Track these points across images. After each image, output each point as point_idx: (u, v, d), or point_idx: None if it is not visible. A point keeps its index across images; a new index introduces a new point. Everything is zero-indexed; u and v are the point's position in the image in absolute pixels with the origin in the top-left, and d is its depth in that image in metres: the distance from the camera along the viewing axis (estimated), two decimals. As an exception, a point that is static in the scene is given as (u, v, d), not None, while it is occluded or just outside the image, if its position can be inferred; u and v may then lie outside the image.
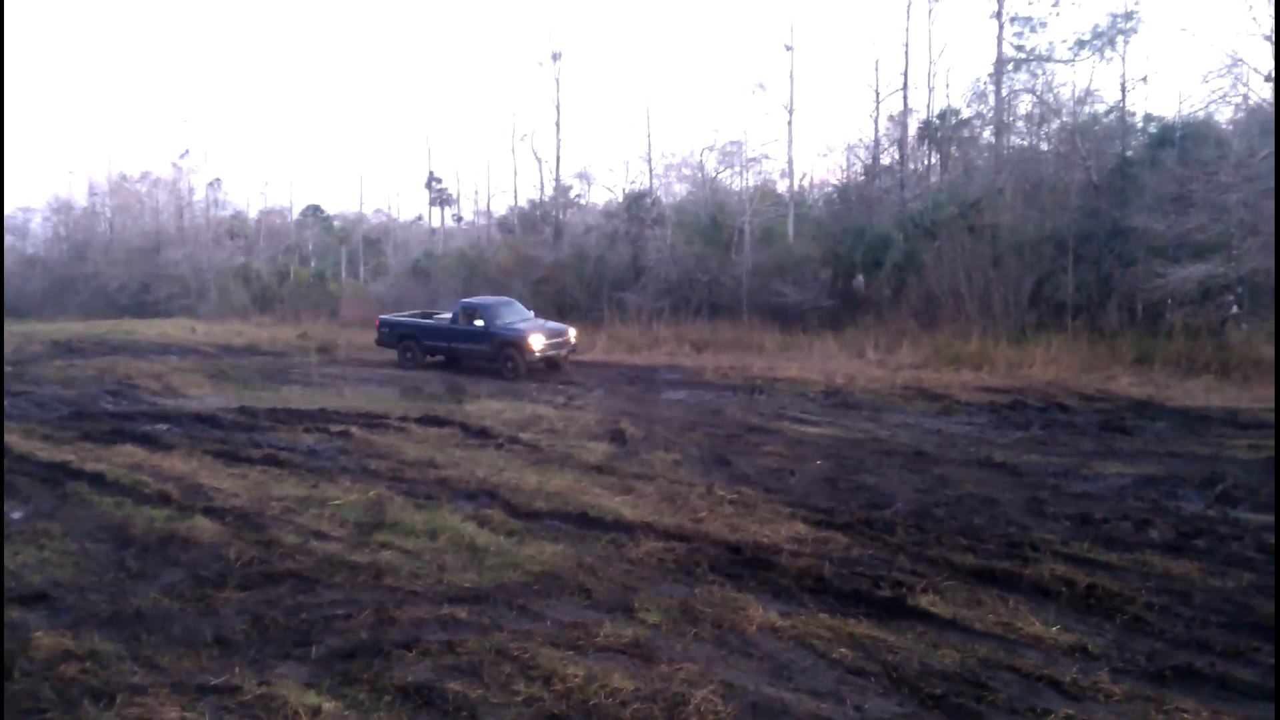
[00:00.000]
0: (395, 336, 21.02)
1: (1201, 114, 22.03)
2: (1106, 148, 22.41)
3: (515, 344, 18.93)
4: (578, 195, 37.70)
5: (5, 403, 14.14)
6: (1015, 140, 26.62)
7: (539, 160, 36.04)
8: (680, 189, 35.04)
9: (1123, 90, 23.98)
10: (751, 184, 31.89)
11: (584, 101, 67.13)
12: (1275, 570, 4.27)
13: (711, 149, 34.12)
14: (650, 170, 34.69)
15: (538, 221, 33.77)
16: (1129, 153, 21.93)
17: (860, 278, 24.16)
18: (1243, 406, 13.23)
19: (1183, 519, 7.74)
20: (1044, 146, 25.46)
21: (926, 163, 31.27)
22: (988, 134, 27.87)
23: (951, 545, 7.01)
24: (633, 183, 34.60)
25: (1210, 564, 6.55)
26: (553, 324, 20.67)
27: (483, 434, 11.64)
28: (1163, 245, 18.92)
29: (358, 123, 73.07)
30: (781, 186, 31.64)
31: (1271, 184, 18.05)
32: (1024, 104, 26.95)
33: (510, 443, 11.11)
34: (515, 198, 39.75)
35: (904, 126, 29.01)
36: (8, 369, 18.44)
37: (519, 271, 30.23)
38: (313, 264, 43.69)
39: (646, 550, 7.00)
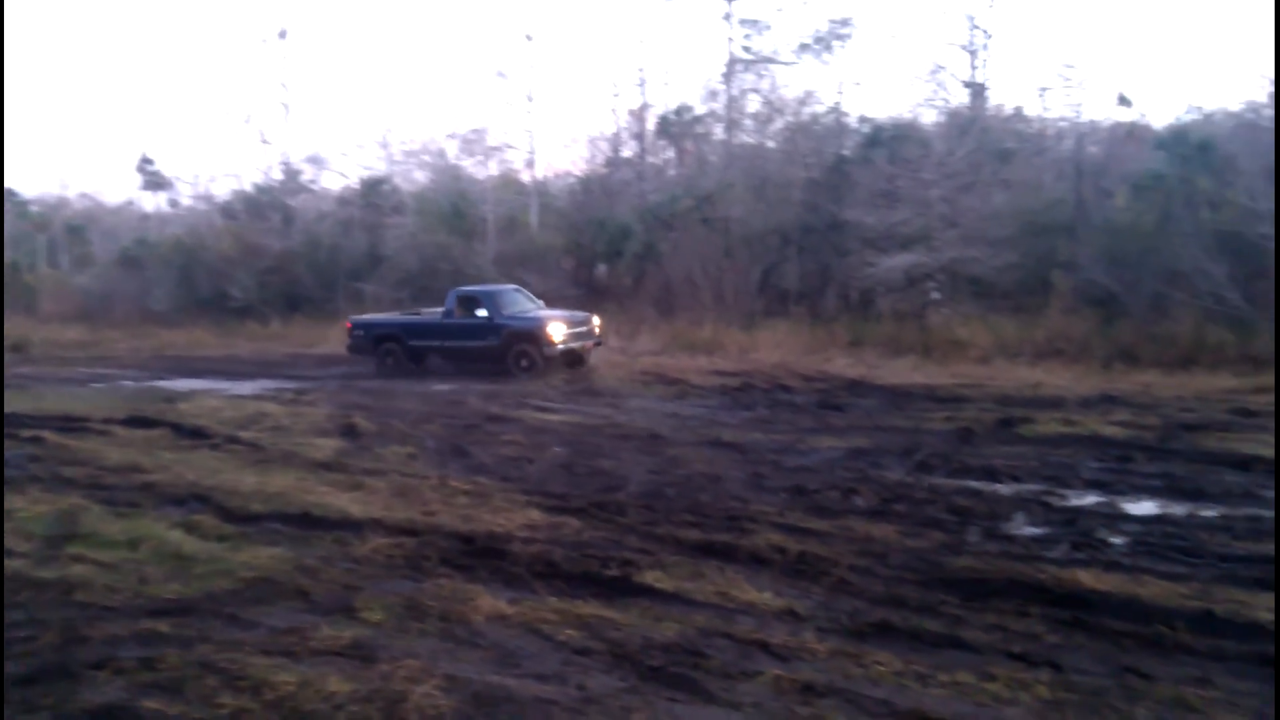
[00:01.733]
0: (371, 339, 17.95)
1: (908, 116, 24.13)
2: (825, 146, 24.01)
3: (531, 336, 16.14)
4: (310, 180, 35.88)
5: None
6: (744, 137, 27.98)
7: (265, 143, 34.06)
8: (421, 176, 34.19)
9: (839, 92, 25.82)
10: (494, 172, 31.62)
11: (315, 82, 63.95)
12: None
13: (453, 136, 33.55)
14: (388, 156, 33.66)
15: (265, 207, 31.81)
16: (845, 151, 23.59)
17: (602, 267, 24.60)
18: (940, 383, 14.59)
19: (885, 486, 8.38)
20: (770, 144, 26.94)
21: (664, 157, 32.28)
22: (720, 131, 29.11)
23: (678, 522, 7.23)
24: (369, 169, 33.41)
25: (907, 526, 7.13)
26: (572, 312, 17.88)
27: (197, 434, 10.82)
28: (874, 237, 20.50)
29: (58, 97, 66.00)
30: (525, 176, 31.61)
31: (968, 180, 20.05)
32: (753, 103, 28.43)
33: (228, 442, 10.38)
34: (240, 182, 37.34)
35: (642, 121, 29.81)
36: None
37: (244, 260, 28.38)
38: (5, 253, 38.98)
39: (373, 548, 6.72)
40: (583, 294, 23.90)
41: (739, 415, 12.45)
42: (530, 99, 30.00)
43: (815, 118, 25.57)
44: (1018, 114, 24.14)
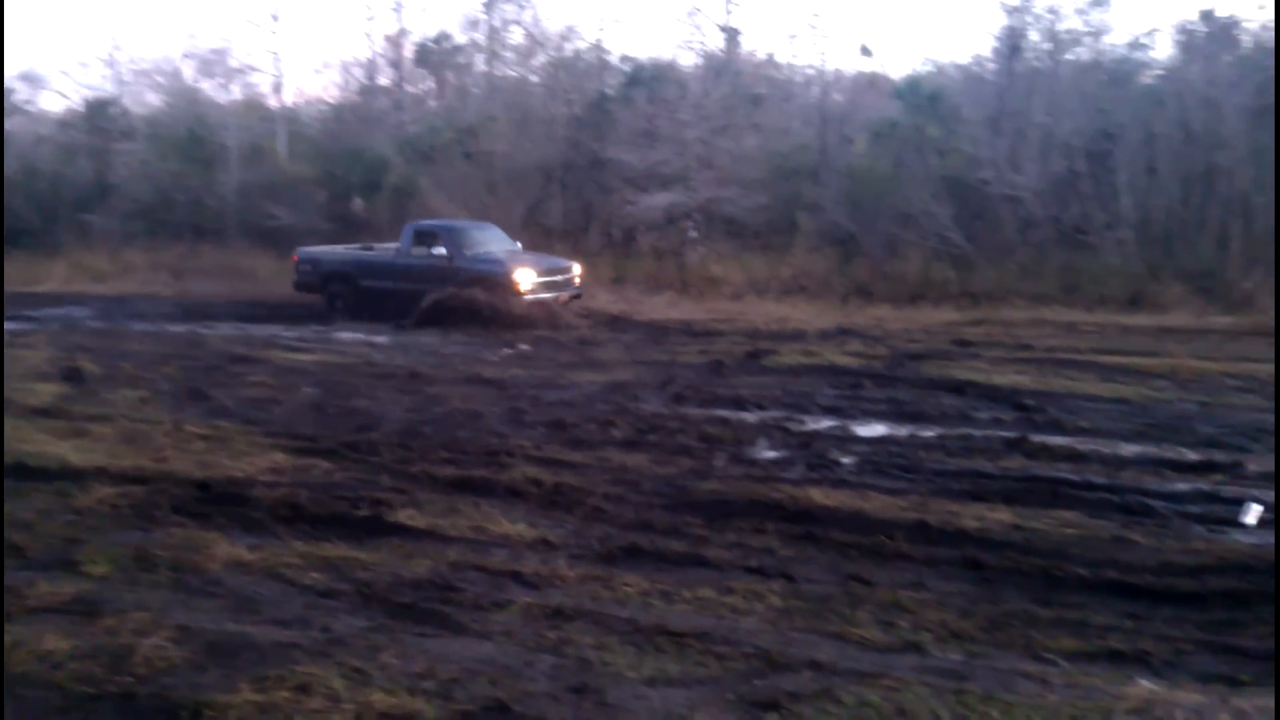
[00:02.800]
0: (319, 277, 15.75)
1: (667, 57, 24.48)
2: (587, 83, 23.97)
3: (495, 282, 14.10)
4: (25, 101, 31.99)
5: None
6: (507, 71, 27.47)
7: (-32, 56, 29.93)
8: (154, 99, 31.29)
9: (601, 29, 25.79)
10: (238, 97, 29.41)
11: (28, -11, 56.85)
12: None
13: (190, 56, 30.84)
14: (116, 75, 30.56)
15: (-30, 131, 28.05)
16: (607, 90, 23.65)
17: (358, 200, 23.57)
18: (696, 318, 15.12)
19: (641, 418, 8.61)
20: (534, 79, 26.59)
21: (424, 86, 31.16)
22: (481, 62, 28.43)
23: (434, 459, 7.14)
24: (94, 89, 30.19)
25: (659, 455, 7.37)
26: (548, 257, 15.93)
27: (-118, 381, 9.52)
28: (635, 176, 20.77)
29: None
30: (272, 102, 29.62)
31: (723, 123, 20.65)
32: (515, 35, 27.89)
33: (-77, 389, 9.22)
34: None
35: (399, 48, 28.59)
36: None
37: (-57, 189, 25.03)
38: None
39: (98, 498, 6.21)
40: (336, 228, 22.87)
41: (500, 352, 12.38)
42: (276, 18, 28.08)
43: (577, 54, 25.44)
44: (769, 60, 25.10)
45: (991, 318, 14.70)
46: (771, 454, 7.57)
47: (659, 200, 19.64)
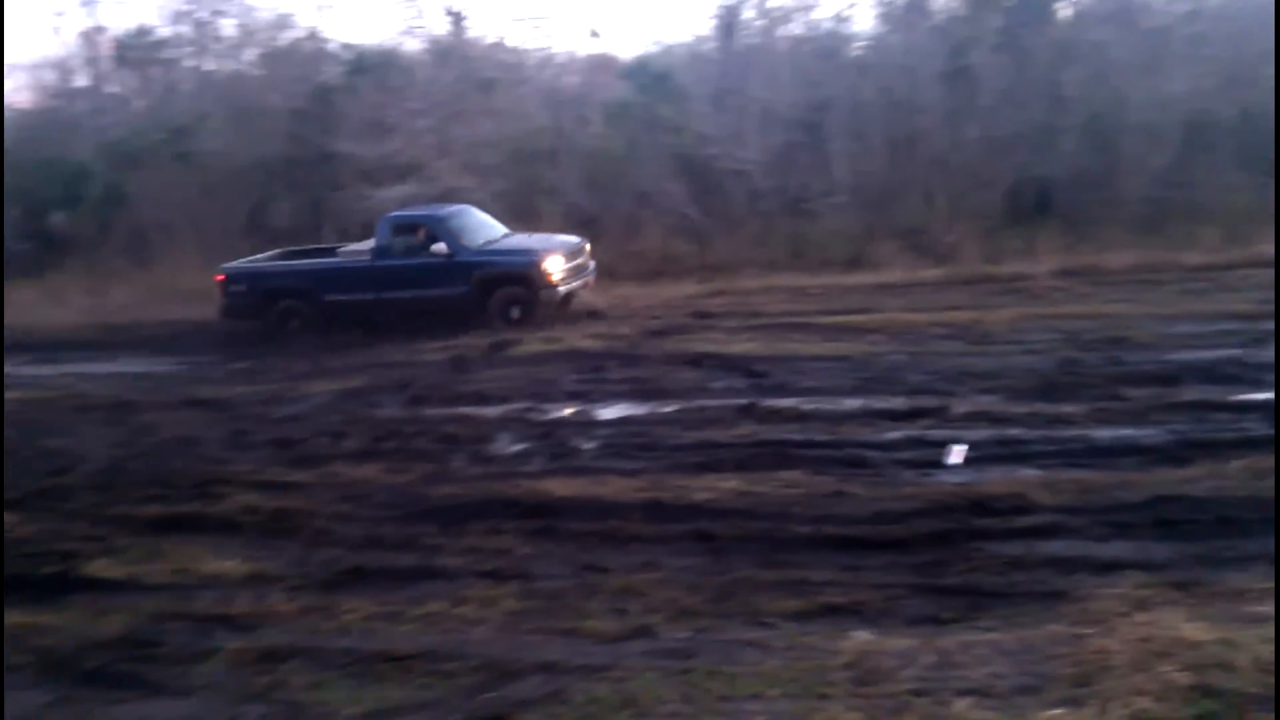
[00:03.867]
0: (259, 297, 12.78)
1: (391, 43, 23.60)
2: (307, 74, 22.76)
3: (522, 276, 11.89)
4: None
5: None
6: (218, 65, 25.62)
7: None
8: None
9: (316, 16, 24.57)
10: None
11: None
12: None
13: None
14: None
15: None
16: (328, 79, 22.57)
17: (60, 215, 21.34)
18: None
19: (376, 425, 8.24)
20: (253, 72, 24.95)
21: (128, 86, 28.57)
22: (190, 57, 26.37)
23: (137, 499, 6.51)
24: None
25: (393, 463, 7.06)
26: (558, 237, 13.41)
27: None
28: (367, 169, 19.91)
29: None
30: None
31: (455, 109, 20.19)
32: (226, 26, 26.01)
33: None
34: None
35: (96, 45, 26.01)
36: None
37: None
38: None
39: None
40: (35, 247, 20.65)
41: (224, 368, 11.50)
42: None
43: (294, 43, 24.08)
44: (500, 44, 24.69)
45: (728, 288, 15.19)
46: (513, 448, 7.45)
47: (395, 193, 18.92)
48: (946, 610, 4.48)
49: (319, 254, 14.17)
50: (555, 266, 12.08)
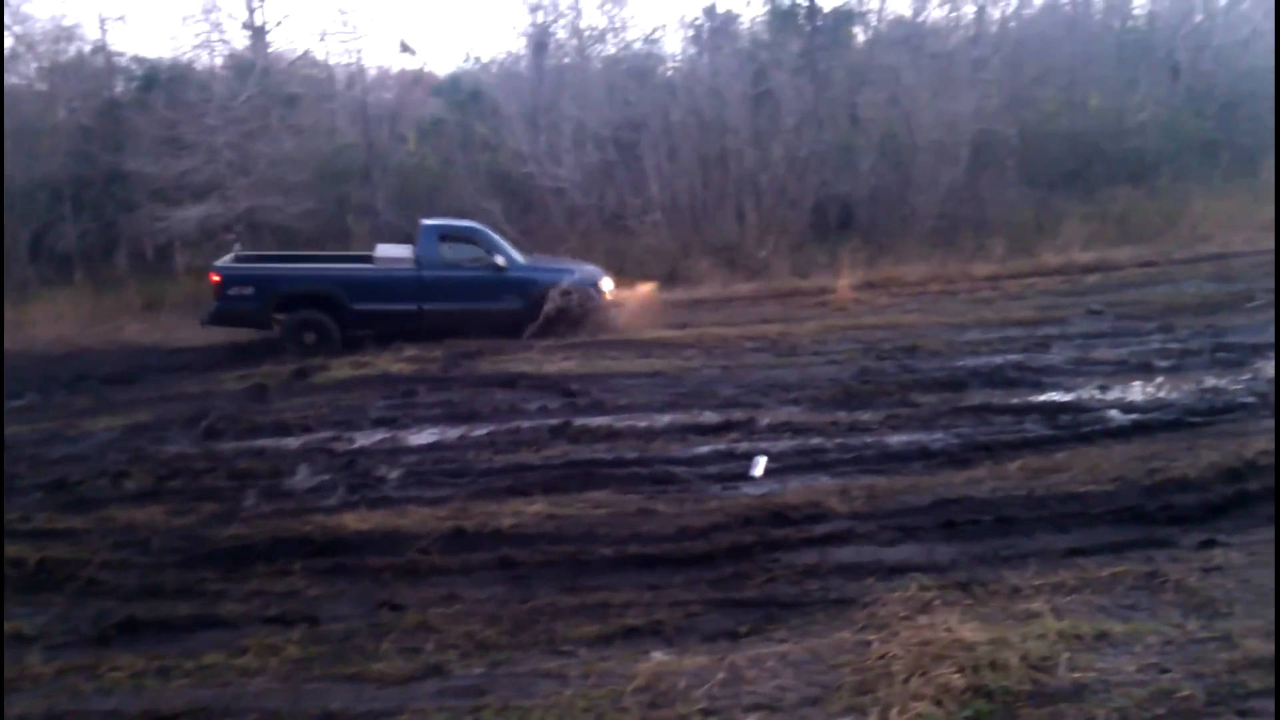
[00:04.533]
0: (270, 303, 11.76)
1: (186, 58, 22.39)
2: (94, 89, 21.30)
3: (580, 290, 12.04)
4: None
5: None
6: (-8, 76, 23.61)
7: None
8: None
9: (103, 29, 23.05)
10: None
11: None
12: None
13: None
14: None
15: None
16: (118, 95, 21.21)
17: None
18: (240, 339, 13.93)
19: (162, 463, 7.68)
20: (41, 87, 23.11)
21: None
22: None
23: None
24: None
25: (178, 503, 6.59)
26: (577, 262, 13.71)
27: None
28: (162, 188, 18.79)
29: None
30: None
31: (256, 126, 19.32)
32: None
33: None
34: None
35: None
36: None
37: None
38: None
39: None
40: None
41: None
42: None
43: (80, 55, 22.48)
44: (305, 58, 23.84)
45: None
46: (311, 482, 7.09)
47: (193, 213, 17.93)
48: (743, 623, 4.53)
49: (299, 260, 13.28)
50: (609, 285, 12.72)
